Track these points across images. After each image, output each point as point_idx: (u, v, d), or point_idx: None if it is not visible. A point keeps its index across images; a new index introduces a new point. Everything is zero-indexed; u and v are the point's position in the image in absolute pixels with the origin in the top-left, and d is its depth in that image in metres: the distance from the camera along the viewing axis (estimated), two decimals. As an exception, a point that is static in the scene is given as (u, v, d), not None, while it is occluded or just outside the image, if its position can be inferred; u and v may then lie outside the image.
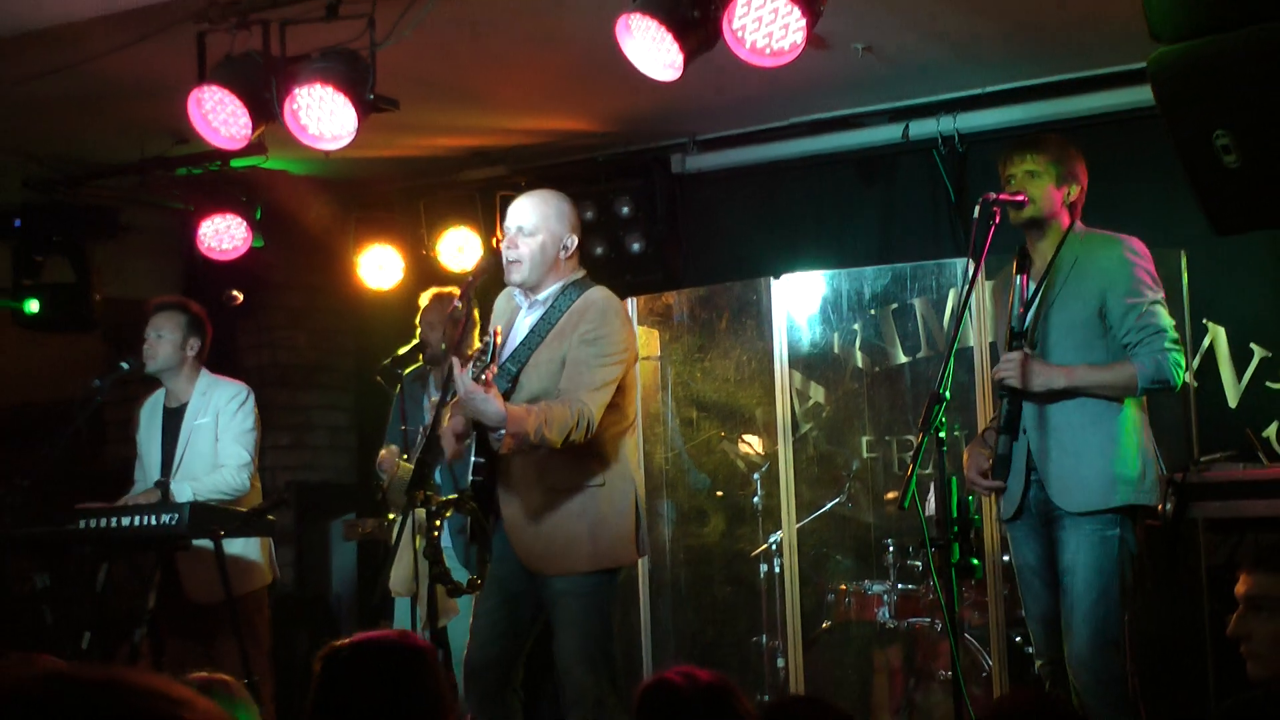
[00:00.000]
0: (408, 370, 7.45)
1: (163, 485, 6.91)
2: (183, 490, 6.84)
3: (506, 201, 5.87)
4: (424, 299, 7.62)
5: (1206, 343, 7.19)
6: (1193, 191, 3.64)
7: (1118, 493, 5.36)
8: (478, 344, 5.49)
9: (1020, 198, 5.43)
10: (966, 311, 5.44)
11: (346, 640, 3.44)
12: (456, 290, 7.33)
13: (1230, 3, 3.37)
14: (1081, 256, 5.41)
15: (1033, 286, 5.49)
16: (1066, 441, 5.39)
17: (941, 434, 4.98)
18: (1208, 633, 6.53)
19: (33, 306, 8.44)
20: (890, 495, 7.52)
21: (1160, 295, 5.50)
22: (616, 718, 5.49)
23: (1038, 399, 5.38)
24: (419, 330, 7.49)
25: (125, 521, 6.50)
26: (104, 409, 7.41)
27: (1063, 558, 5.41)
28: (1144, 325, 5.39)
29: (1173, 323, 5.47)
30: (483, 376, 5.13)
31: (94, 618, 6.65)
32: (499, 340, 5.35)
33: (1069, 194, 5.54)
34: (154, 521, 6.44)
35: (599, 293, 5.67)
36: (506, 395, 5.41)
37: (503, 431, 5.23)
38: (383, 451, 7.46)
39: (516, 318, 5.70)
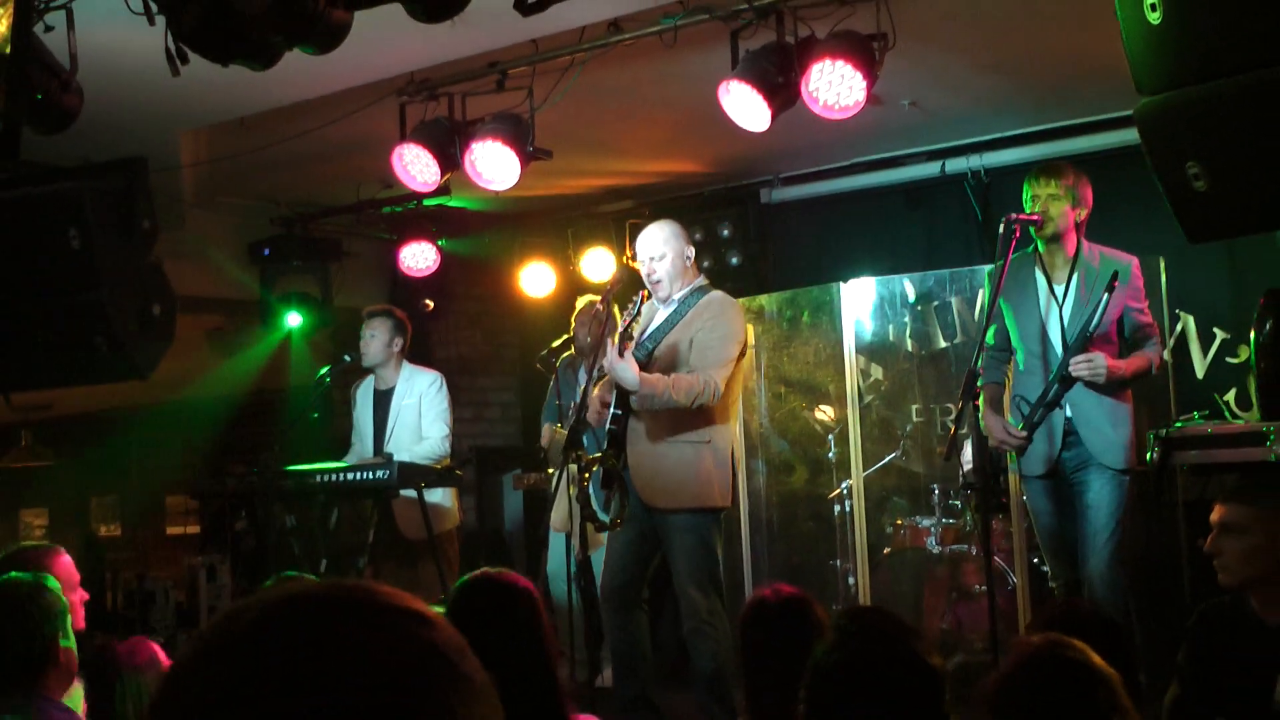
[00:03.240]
0: (560, 359, 7.52)
1: (387, 456, 7.03)
2: (400, 458, 6.97)
3: (636, 228, 5.98)
4: (579, 304, 7.66)
5: (1179, 328, 7.15)
6: (1170, 209, 3.63)
7: (1132, 455, 5.45)
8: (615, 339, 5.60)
9: (1036, 217, 5.41)
10: (994, 306, 5.44)
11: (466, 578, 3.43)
12: (598, 298, 7.42)
13: (1198, 63, 3.37)
14: (1102, 271, 5.37)
15: (1060, 291, 5.48)
16: (1103, 414, 5.41)
17: (977, 402, 5.00)
18: (1184, 553, 6.49)
19: (294, 321, 8.62)
20: (938, 450, 7.50)
21: (1147, 302, 5.63)
22: (720, 625, 5.54)
23: (1088, 382, 5.39)
24: (572, 328, 7.55)
25: (350, 476, 6.64)
26: (330, 391, 7.55)
27: (1086, 496, 5.41)
28: (1146, 326, 5.52)
29: None
30: (630, 331, 5.36)
31: (329, 549, 6.81)
32: (636, 327, 5.52)
33: (1079, 214, 5.50)
34: (371, 476, 6.57)
35: (718, 293, 5.79)
36: (644, 365, 5.54)
37: (636, 394, 5.37)
38: (544, 429, 7.54)
39: (657, 313, 5.83)
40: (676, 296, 5.73)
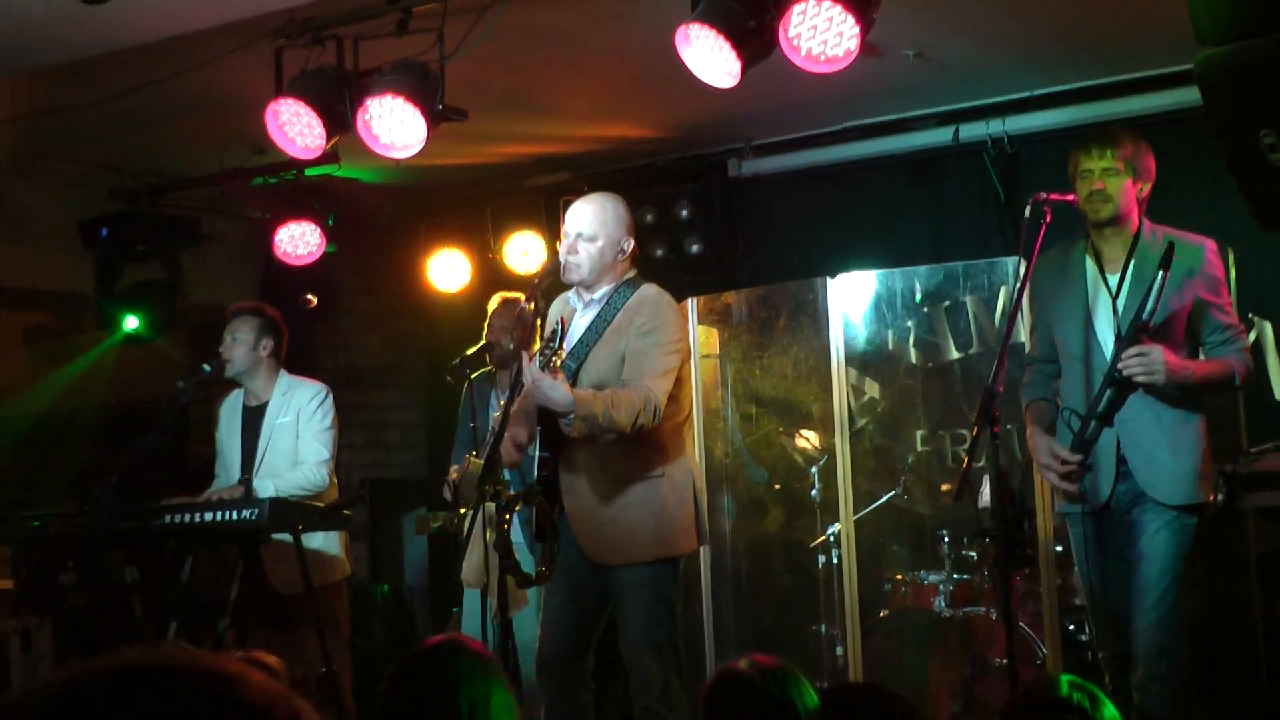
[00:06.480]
0: (476, 373, 7.46)
1: (246, 483, 6.96)
2: (265, 488, 6.88)
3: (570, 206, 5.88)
4: (492, 303, 7.62)
5: (1253, 336, 7.13)
6: (1239, 189, 3.63)
7: (1201, 488, 5.36)
8: (539, 341, 5.49)
9: (1072, 197, 5.38)
10: (1019, 309, 5.41)
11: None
12: (522, 295, 7.36)
13: (1275, 6, 3.37)
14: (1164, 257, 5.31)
15: (1114, 281, 5.42)
16: (1160, 437, 5.35)
17: (995, 428, 4.97)
18: (1258, 618, 6.49)
19: (131, 323, 8.53)
20: (945, 487, 7.49)
21: (1230, 298, 5.52)
22: (681, 704, 5.49)
23: (1144, 390, 5.31)
24: (486, 334, 7.50)
25: (208, 516, 6.55)
26: (187, 408, 7.46)
27: (1139, 543, 5.34)
28: (1228, 326, 5.42)
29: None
30: (551, 363, 5.14)
31: (180, 608, 6.72)
32: (563, 354, 5.34)
33: (1142, 190, 5.46)
34: (235, 517, 6.48)
35: (651, 289, 5.66)
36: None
37: (572, 416, 5.18)
38: (453, 469, 7.48)
39: (573, 318, 5.70)
40: (599, 294, 5.63)
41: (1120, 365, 5.22)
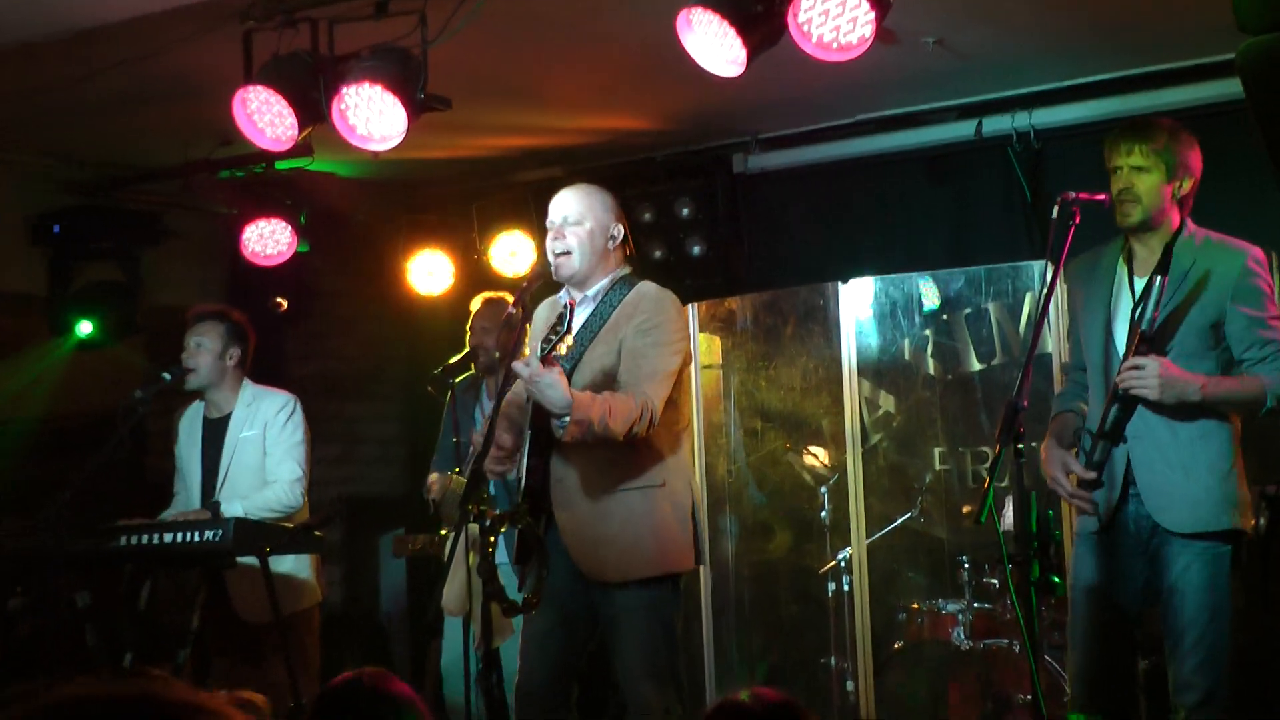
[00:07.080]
0: (459, 379, 7.44)
1: (214, 506, 6.90)
2: (233, 509, 6.83)
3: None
4: (475, 304, 7.61)
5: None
6: (1283, 188, 3.62)
7: (1228, 515, 5.23)
8: (526, 351, 5.44)
9: (1103, 197, 5.34)
10: (1045, 317, 5.37)
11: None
12: (509, 296, 7.34)
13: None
14: (1200, 262, 5.21)
15: (1141, 286, 5.32)
16: (1174, 456, 5.24)
17: (1019, 444, 4.93)
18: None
19: (85, 328, 8.52)
20: (965, 509, 7.48)
21: (1277, 311, 5.38)
22: (681, 735, 5.48)
23: (1152, 406, 5.21)
24: (469, 337, 7.49)
25: (169, 538, 6.51)
26: (145, 419, 7.41)
27: (1168, 576, 5.25)
28: (1267, 341, 5.27)
29: None
30: (555, 350, 5.04)
31: (137, 637, 6.69)
32: (568, 341, 5.22)
33: (1179, 188, 5.35)
34: (198, 538, 6.44)
35: (650, 285, 5.66)
36: None
37: (567, 419, 5.14)
38: (432, 477, 7.46)
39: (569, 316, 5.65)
40: (593, 290, 5.62)
41: (1116, 379, 5.19)
